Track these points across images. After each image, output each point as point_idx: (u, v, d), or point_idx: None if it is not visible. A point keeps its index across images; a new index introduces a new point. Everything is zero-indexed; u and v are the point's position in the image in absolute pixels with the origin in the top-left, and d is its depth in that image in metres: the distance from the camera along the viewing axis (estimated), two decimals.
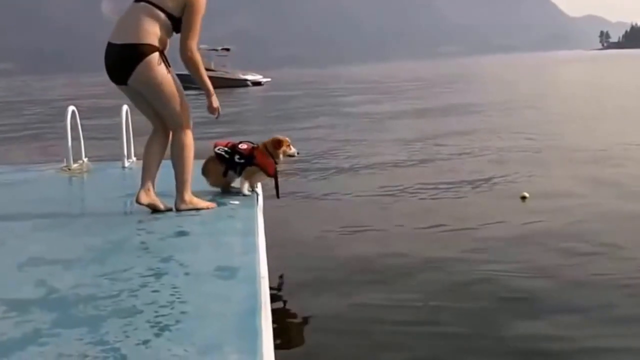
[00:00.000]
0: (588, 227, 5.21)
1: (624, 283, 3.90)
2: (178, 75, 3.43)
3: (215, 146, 4.02)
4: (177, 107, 3.36)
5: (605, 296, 3.72)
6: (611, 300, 3.66)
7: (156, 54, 3.25)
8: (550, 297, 3.79)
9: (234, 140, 4.16)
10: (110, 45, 3.32)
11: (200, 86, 3.41)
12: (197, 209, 3.41)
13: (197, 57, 3.34)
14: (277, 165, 4.05)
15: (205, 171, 4.03)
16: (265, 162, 4.00)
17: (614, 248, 4.60)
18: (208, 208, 3.43)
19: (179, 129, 3.41)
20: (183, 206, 3.41)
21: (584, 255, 4.51)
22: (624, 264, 4.26)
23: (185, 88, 3.46)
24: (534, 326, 3.39)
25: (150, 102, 3.41)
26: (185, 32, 3.29)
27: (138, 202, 3.40)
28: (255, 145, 4.05)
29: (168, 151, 3.56)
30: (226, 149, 3.97)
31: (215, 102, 3.50)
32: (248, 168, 3.98)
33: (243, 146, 4.02)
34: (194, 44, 3.31)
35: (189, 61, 3.31)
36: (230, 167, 3.99)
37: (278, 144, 4.05)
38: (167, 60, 3.32)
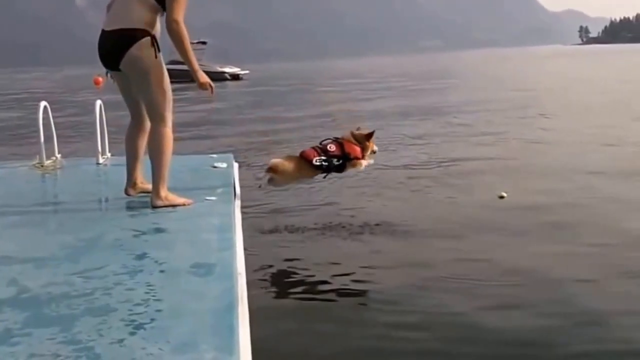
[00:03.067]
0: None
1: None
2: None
3: (306, 156, 4.52)
4: (161, 96, 3.34)
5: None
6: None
7: (148, 39, 3.28)
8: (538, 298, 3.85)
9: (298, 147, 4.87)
10: (103, 32, 3.38)
11: (184, 61, 3.36)
12: (174, 206, 3.37)
13: (183, 30, 3.29)
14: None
15: (281, 171, 4.49)
16: (356, 153, 4.64)
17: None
18: (184, 204, 3.39)
19: (159, 119, 3.37)
20: (159, 202, 3.36)
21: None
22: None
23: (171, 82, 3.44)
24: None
25: (135, 88, 3.40)
26: (171, 5, 3.27)
27: (127, 194, 3.59)
28: (341, 140, 4.64)
29: None
30: (323, 158, 4.54)
31: (203, 77, 3.42)
32: (348, 164, 4.65)
33: (332, 148, 4.59)
34: (179, 16, 3.28)
35: (173, 32, 3.28)
36: (329, 171, 4.64)
37: (369, 136, 4.71)
38: (157, 46, 3.32)
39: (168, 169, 3.39)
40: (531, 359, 3.16)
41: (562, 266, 4.38)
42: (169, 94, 3.40)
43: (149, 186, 3.50)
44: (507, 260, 4.51)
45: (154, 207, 3.36)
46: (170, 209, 3.34)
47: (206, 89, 3.47)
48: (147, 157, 3.45)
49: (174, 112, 3.48)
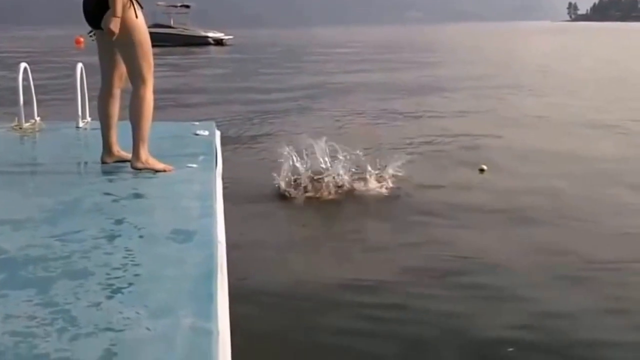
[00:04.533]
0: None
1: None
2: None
3: None
4: (142, 56, 3.31)
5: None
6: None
7: None
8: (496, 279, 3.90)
9: None
10: None
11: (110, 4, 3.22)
12: (154, 171, 3.34)
13: None
14: None
15: None
16: None
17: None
18: (165, 170, 3.36)
19: (140, 81, 3.33)
20: (139, 165, 3.33)
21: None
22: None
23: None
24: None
25: (117, 47, 3.34)
26: None
27: (103, 162, 3.51)
28: None
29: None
30: None
31: (114, 26, 3.21)
32: None
33: None
34: None
35: None
36: None
37: None
38: (139, 4, 3.28)
39: (148, 132, 3.36)
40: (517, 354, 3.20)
41: (536, 253, 4.45)
42: (150, 57, 3.36)
43: (126, 155, 3.46)
44: (479, 243, 4.57)
45: (134, 168, 3.33)
46: (150, 174, 3.31)
47: (108, 33, 3.25)
48: (127, 121, 3.40)
49: (154, 77, 3.42)
